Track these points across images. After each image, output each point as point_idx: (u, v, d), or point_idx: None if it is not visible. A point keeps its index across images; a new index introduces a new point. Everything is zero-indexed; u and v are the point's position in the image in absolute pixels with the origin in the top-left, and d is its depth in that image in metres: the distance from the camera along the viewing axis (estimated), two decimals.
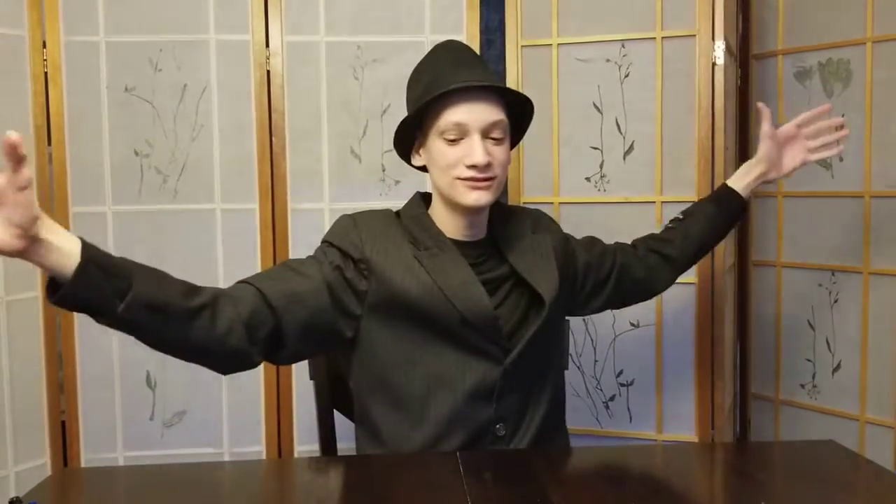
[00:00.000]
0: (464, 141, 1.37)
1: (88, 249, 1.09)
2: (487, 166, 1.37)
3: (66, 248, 1.07)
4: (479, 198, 1.38)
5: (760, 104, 1.70)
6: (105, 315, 1.13)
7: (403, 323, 1.40)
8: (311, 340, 1.39)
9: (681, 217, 1.76)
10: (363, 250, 1.41)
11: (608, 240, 1.71)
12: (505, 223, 1.54)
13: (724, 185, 1.77)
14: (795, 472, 1.24)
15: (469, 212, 1.44)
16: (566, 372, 1.68)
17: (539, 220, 1.60)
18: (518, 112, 1.47)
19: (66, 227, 2.18)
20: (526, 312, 1.46)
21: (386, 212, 1.52)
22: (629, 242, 1.74)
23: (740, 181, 1.76)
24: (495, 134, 1.39)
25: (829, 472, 1.24)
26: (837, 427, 2.28)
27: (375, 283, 1.39)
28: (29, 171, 1.00)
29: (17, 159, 0.97)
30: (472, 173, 1.37)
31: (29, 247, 1.02)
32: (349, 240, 1.43)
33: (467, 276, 1.41)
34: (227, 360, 1.30)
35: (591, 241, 1.68)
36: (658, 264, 1.71)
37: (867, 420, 2.25)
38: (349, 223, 1.47)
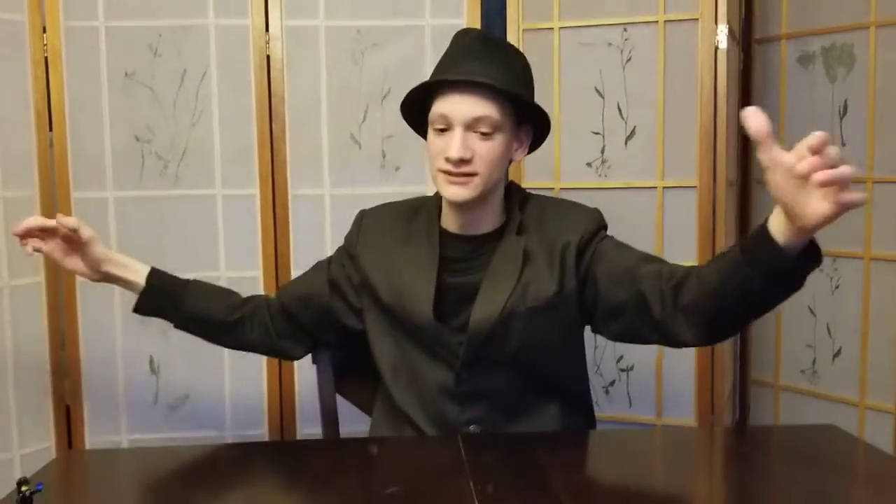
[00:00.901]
0: (448, 133, 1.37)
1: (153, 276, 1.57)
2: (463, 161, 1.35)
3: (134, 277, 1.56)
4: (455, 193, 1.37)
5: (749, 110, 1.01)
6: (170, 323, 1.61)
7: (385, 317, 1.49)
8: (331, 333, 1.60)
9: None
10: (356, 246, 1.53)
11: (610, 227, 1.59)
12: (511, 219, 1.48)
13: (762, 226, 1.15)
14: (795, 455, 1.24)
15: (456, 206, 1.42)
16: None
17: (560, 217, 1.48)
18: (531, 109, 1.42)
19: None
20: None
21: (414, 202, 1.57)
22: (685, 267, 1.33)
23: (775, 223, 1.11)
24: (482, 129, 1.36)
25: (829, 456, 1.24)
26: (837, 413, 2.28)
27: (362, 277, 1.51)
28: (88, 231, 1.46)
29: (75, 231, 1.42)
30: (448, 167, 1.36)
31: (103, 278, 1.55)
32: (351, 236, 1.57)
33: (425, 277, 1.43)
34: (272, 354, 1.68)
35: (631, 260, 1.40)
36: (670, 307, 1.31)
37: (867, 406, 2.25)
38: (357, 218, 1.58)
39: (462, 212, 1.44)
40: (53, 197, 2.19)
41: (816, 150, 0.94)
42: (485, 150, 1.36)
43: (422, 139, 1.49)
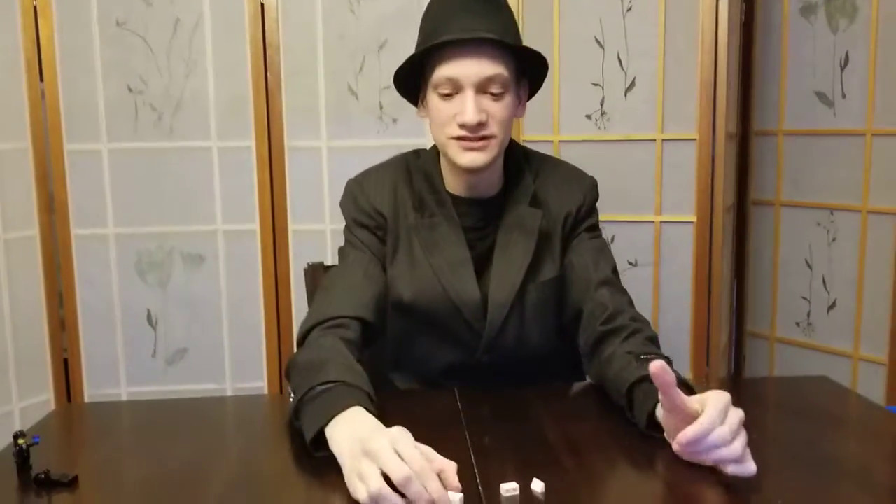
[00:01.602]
0: (458, 97, 1.27)
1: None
2: (480, 125, 1.26)
3: None
4: (473, 159, 1.28)
5: (656, 365, 0.94)
6: None
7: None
8: None
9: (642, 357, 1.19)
10: (381, 212, 1.39)
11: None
12: (518, 182, 1.40)
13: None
14: (788, 407, 1.26)
15: (468, 171, 1.33)
16: None
17: (560, 188, 1.41)
18: (532, 62, 1.33)
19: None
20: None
21: (397, 165, 1.43)
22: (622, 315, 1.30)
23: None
24: (493, 89, 1.26)
25: (821, 407, 1.25)
26: (831, 364, 2.30)
27: (392, 239, 1.39)
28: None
29: None
30: (463, 132, 1.27)
31: None
32: (364, 210, 1.40)
33: (460, 254, 1.35)
34: None
35: (595, 275, 1.35)
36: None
37: (860, 357, 2.27)
38: (357, 189, 1.42)
39: (471, 176, 1.35)
40: (46, 149, 2.17)
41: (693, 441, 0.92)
42: (498, 111, 1.28)
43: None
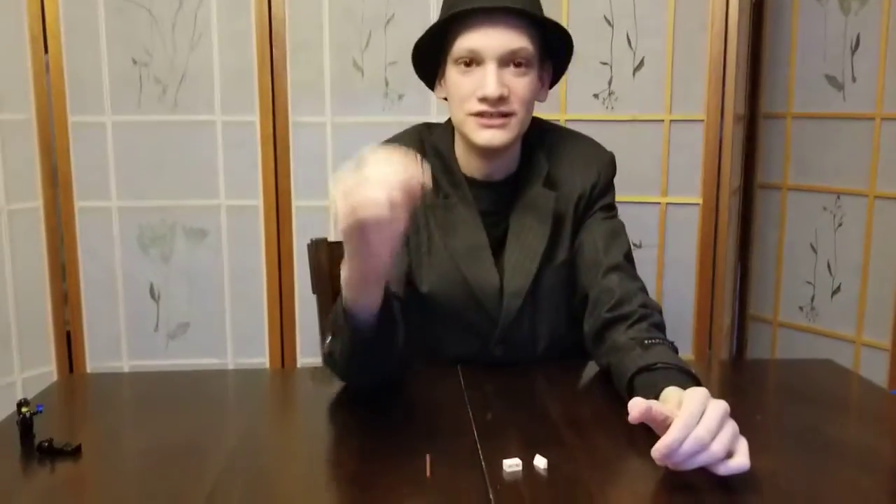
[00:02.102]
0: (479, 70, 1.21)
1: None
2: (501, 100, 1.20)
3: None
4: (492, 137, 1.22)
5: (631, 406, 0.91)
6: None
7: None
8: None
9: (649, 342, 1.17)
10: None
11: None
12: (531, 162, 1.34)
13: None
14: (791, 389, 1.25)
15: (485, 152, 1.27)
16: None
17: (574, 166, 1.35)
18: (557, 43, 1.28)
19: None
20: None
21: (411, 138, 1.36)
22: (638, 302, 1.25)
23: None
24: (517, 62, 1.21)
25: (825, 390, 1.25)
26: (833, 349, 2.30)
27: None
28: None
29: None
30: (483, 107, 1.21)
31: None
32: None
33: (478, 239, 1.29)
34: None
35: (606, 259, 1.29)
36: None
37: (863, 342, 2.27)
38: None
39: (489, 157, 1.29)
40: (50, 121, 2.16)
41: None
42: (520, 87, 1.21)
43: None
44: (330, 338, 1.10)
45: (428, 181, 0.90)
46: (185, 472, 0.94)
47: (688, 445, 0.85)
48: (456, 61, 1.23)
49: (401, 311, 1.14)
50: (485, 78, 1.20)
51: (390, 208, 0.86)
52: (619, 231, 1.34)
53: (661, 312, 1.24)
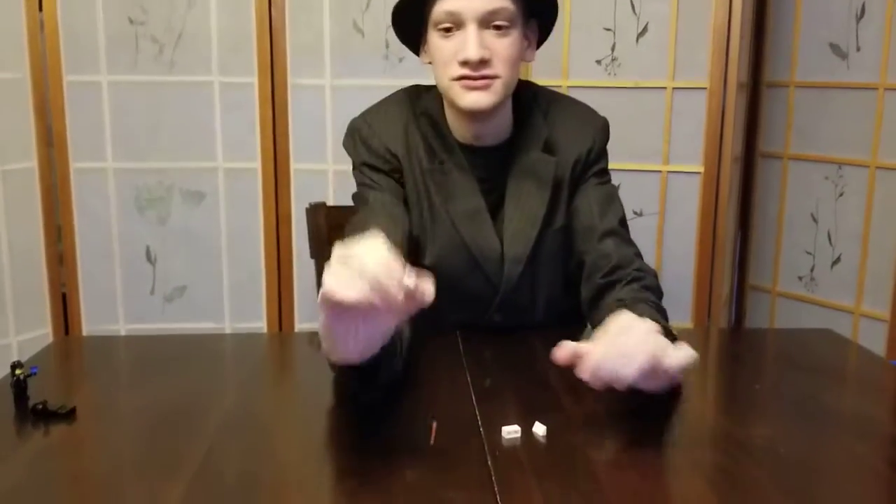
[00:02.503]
0: (459, 33, 1.19)
1: None
2: (483, 63, 1.18)
3: None
4: (476, 100, 1.19)
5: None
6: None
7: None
8: None
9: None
10: (395, 154, 1.30)
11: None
12: (528, 127, 1.31)
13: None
14: (791, 358, 1.25)
15: (473, 116, 1.24)
16: None
17: (570, 131, 1.33)
18: (541, 1, 1.26)
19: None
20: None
21: (402, 103, 1.34)
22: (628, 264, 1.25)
23: None
24: (497, 23, 1.18)
25: (825, 359, 1.25)
26: (832, 319, 2.30)
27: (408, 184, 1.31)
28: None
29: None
30: (465, 71, 1.18)
31: None
32: (377, 153, 1.30)
33: (476, 203, 1.28)
34: None
35: (601, 224, 1.29)
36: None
37: (862, 313, 2.27)
38: (366, 130, 1.32)
39: (478, 121, 1.26)
40: (45, 80, 2.13)
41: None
42: (503, 48, 1.19)
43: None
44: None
45: (426, 293, 0.82)
46: (181, 434, 0.94)
47: (606, 359, 0.88)
48: (436, 26, 1.21)
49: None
50: (465, 41, 1.18)
51: (366, 303, 0.78)
52: (613, 196, 1.33)
53: (656, 277, 1.24)
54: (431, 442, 0.89)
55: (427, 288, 0.81)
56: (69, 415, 0.98)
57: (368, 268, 0.78)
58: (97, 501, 0.81)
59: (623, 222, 1.31)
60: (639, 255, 1.27)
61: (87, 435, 0.96)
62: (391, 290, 0.78)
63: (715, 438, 0.93)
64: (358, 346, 0.85)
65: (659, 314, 1.12)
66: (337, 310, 0.80)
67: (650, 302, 1.15)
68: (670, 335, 1.00)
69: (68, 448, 0.92)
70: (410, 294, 0.80)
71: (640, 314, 0.98)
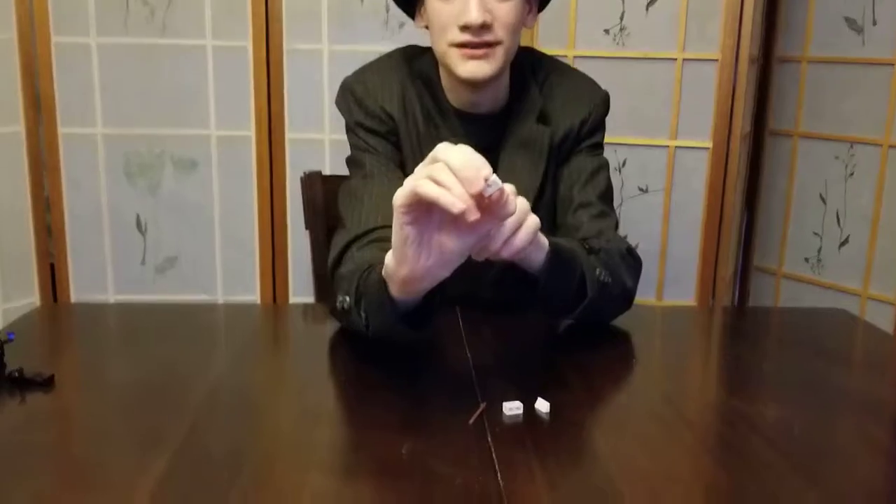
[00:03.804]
0: None
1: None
2: (484, 27, 1.12)
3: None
4: (475, 69, 1.14)
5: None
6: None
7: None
8: None
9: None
10: (391, 116, 1.23)
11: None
12: (524, 96, 1.26)
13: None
14: (802, 338, 1.20)
15: (470, 85, 1.19)
16: None
17: (566, 101, 1.27)
18: None
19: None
20: None
21: (398, 63, 1.28)
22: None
23: None
24: None
25: (837, 339, 1.21)
26: (838, 302, 2.25)
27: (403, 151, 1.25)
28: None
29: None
30: (465, 37, 1.13)
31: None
32: (373, 114, 1.24)
33: None
34: None
35: (585, 202, 1.24)
36: None
37: (869, 296, 2.22)
38: (361, 90, 1.25)
39: (476, 89, 1.21)
40: (32, 41, 2.06)
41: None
42: (504, 13, 1.13)
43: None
44: (349, 300, 1.00)
45: (510, 203, 0.78)
46: (166, 406, 0.88)
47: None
48: None
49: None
50: (466, 4, 1.11)
51: (461, 201, 0.74)
52: (600, 169, 1.28)
53: (629, 250, 1.18)
54: (471, 422, 0.84)
55: (512, 198, 0.78)
56: (47, 383, 0.93)
57: (454, 164, 0.75)
58: (72, 475, 0.76)
59: (604, 196, 1.26)
60: (613, 227, 1.23)
61: (65, 405, 0.91)
62: (476, 187, 0.74)
63: (725, 418, 0.89)
64: (429, 259, 0.82)
65: (588, 256, 1.07)
66: (415, 210, 0.78)
67: (584, 248, 1.09)
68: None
69: (44, 419, 0.87)
70: (496, 198, 0.77)
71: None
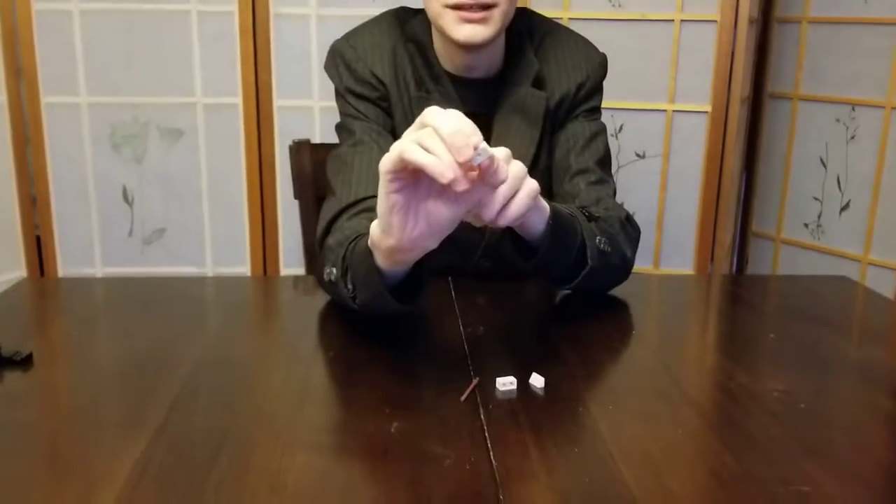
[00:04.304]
0: None
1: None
2: None
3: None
4: (472, 34, 1.09)
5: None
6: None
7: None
8: None
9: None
10: (382, 81, 1.19)
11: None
12: (519, 60, 1.21)
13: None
14: (806, 306, 1.17)
15: (465, 49, 1.14)
16: None
17: (562, 65, 1.23)
18: None
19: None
20: None
21: (390, 25, 1.23)
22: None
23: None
24: None
25: (842, 308, 1.18)
26: (838, 268, 2.22)
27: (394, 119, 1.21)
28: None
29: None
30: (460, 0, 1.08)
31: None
32: (362, 79, 1.19)
33: None
34: None
35: (581, 169, 1.21)
36: None
37: (870, 261, 2.19)
38: (350, 54, 1.20)
39: (470, 54, 1.16)
40: (13, 6, 2.00)
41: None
42: None
43: None
44: (335, 271, 0.97)
45: (501, 169, 0.76)
46: (146, 384, 0.85)
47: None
48: None
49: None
50: None
51: (451, 169, 0.70)
52: (598, 134, 1.24)
53: (629, 218, 1.15)
54: (463, 398, 0.81)
55: (503, 166, 0.76)
56: (25, 361, 0.89)
57: (443, 130, 0.71)
58: (46, 458, 0.73)
59: (602, 162, 1.22)
60: (611, 195, 1.19)
61: (43, 384, 0.87)
62: (465, 155, 0.71)
63: (728, 391, 0.85)
64: (416, 229, 0.78)
65: (588, 224, 1.03)
66: (402, 177, 0.74)
67: (581, 213, 1.05)
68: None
69: (20, 399, 0.84)
70: (486, 167, 0.74)
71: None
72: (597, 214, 1.08)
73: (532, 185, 0.82)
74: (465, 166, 0.72)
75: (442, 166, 0.71)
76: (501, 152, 0.77)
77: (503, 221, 0.81)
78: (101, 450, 0.72)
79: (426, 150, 0.72)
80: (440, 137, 0.72)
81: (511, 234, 0.98)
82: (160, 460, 0.70)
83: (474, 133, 0.73)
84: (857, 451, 0.74)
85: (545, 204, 0.93)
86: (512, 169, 0.79)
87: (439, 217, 0.77)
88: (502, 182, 0.77)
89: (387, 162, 0.74)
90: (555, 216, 0.94)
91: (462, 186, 0.72)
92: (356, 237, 0.96)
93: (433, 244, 0.81)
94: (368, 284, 0.89)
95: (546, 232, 0.94)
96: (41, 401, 0.85)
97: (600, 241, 1.03)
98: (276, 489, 0.66)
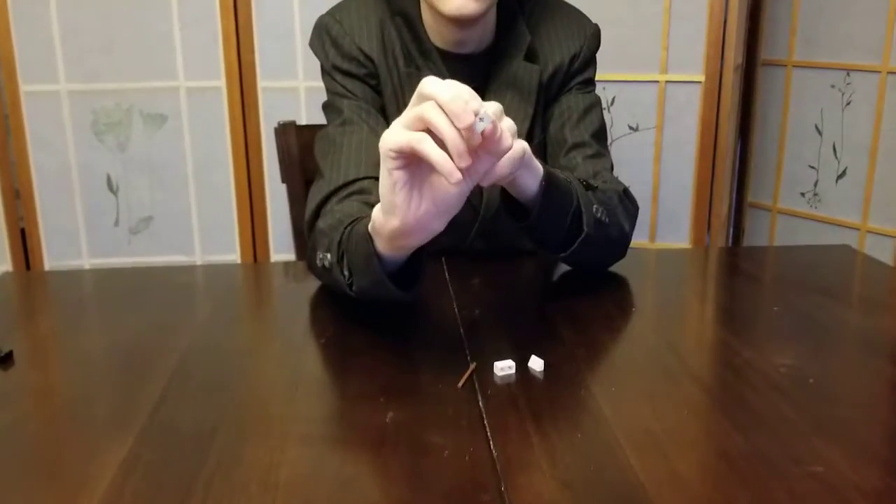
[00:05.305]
0: None
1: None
2: None
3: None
4: (462, 6, 1.05)
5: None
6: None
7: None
8: None
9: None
10: (370, 57, 1.15)
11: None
12: (511, 33, 1.18)
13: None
14: (809, 278, 1.14)
15: (456, 23, 1.10)
16: None
17: (554, 36, 1.20)
18: None
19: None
20: None
21: (376, 1, 1.18)
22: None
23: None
24: None
25: (846, 278, 1.15)
26: (836, 237, 2.20)
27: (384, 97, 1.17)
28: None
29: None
30: None
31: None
32: (349, 56, 1.15)
33: None
34: None
35: (577, 141, 1.18)
36: None
37: (869, 229, 2.16)
38: (336, 29, 1.16)
39: (461, 26, 1.12)
40: None
41: None
42: None
43: None
44: (330, 257, 0.94)
45: (505, 138, 0.72)
46: (133, 378, 0.82)
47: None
48: None
49: None
50: None
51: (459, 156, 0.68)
52: (593, 106, 1.20)
53: (626, 192, 1.12)
54: (460, 384, 0.78)
55: (507, 133, 0.72)
56: (5, 360, 0.86)
57: (441, 97, 0.69)
58: (27, 460, 0.70)
59: (598, 135, 1.19)
60: (609, 169, 1.16)
61: (25, 382, 0.84)
62: (465, 121, 0.68)
63: (734, 368, 0.83)
64: (421, 207, 0.75)
65: (585, 192, 1.00)
66: (406, 154, 0.71)
67: (581, 183, 1.02)
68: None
69: (0, 398, 0.81)
70: (489, 133, 0.70)
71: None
72: (595, 185, 1.05)
73: (520, 145, 0.79)
74: (468, 134, 0.69)
75: (452, 166, 0.68)
76: (492, 107, 0.73)
77: (486, 182, 0.77)
78: (86, 449, 0.70)
79: (429, 125, 0.69)
80: (439, 105, 0.69)
81: (503, 195, 0.94)
82: (148, 458, 0.67)
83: (474, 98, 0.70)
84: (869, 428, 0.71)
85: (538, 164, 0.90)
86: (504, 124, 0.75)
87: (445, 194, 0.74)
88: (507, 150, 0.73)
89: (391, 142, 0.71)
90: (548, 177, 0.91)
91: (465, 162, 0.69)
92: (351, 222, 0.93)
93: (440, 226, 0.78)
94: (367, 271, 0.86)
95: (539, 193, 0.91)
96: (24, 399, 0.82)
97: (598, 209, 1.00)
98: (267, 484, 0.63)
